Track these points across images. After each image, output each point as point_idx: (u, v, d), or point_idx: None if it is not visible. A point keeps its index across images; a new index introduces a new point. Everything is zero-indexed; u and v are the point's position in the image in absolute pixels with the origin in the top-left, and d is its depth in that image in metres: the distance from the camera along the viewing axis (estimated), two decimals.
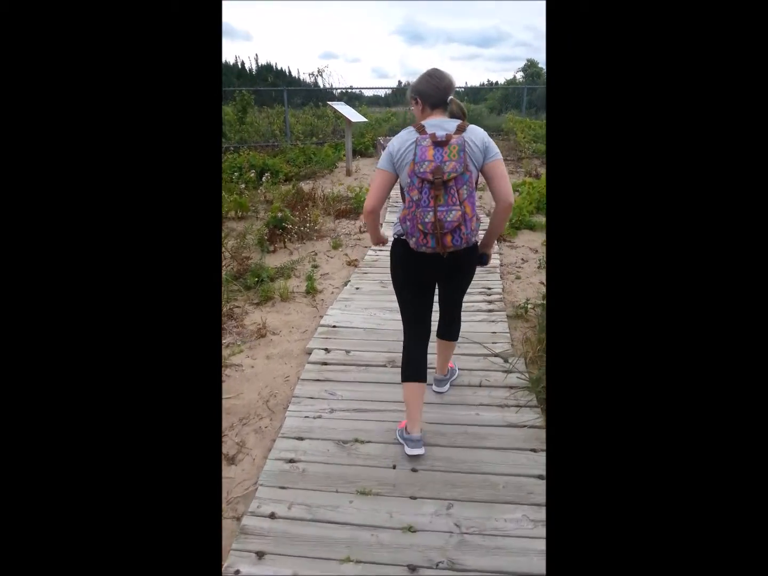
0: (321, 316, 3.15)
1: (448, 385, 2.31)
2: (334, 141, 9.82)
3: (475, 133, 1.64)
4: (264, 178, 6.18)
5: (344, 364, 2.54)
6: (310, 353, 2.68)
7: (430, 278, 1.83)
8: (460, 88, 17.08)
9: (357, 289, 3.54)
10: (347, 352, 2.65)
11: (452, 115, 1.69)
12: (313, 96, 12.75)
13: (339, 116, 7.62)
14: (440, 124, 1.65)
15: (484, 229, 1.85)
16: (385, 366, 2.52)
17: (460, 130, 1.62)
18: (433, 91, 1.69)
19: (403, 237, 1.68)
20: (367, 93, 18.41)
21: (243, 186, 5.85)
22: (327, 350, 2.68)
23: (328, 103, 7.73)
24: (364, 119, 7.77)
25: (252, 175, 6.21)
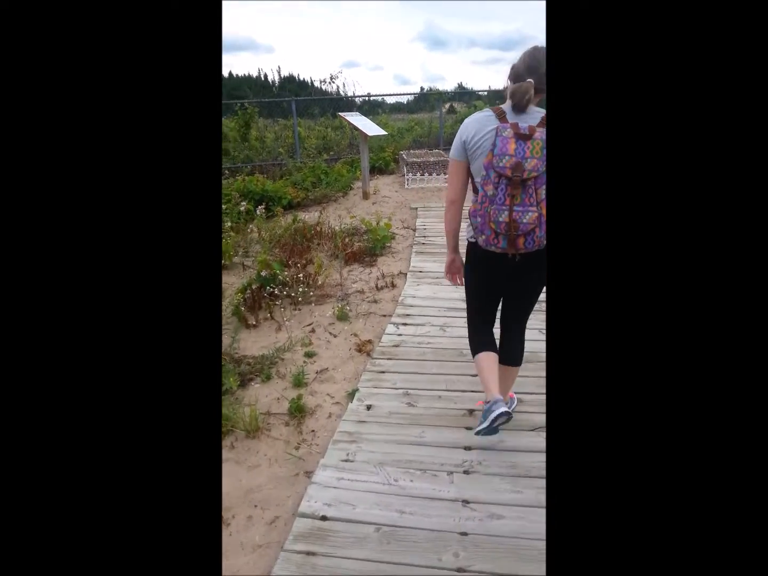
0: (307, 474, 1.88)
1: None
2: (350, 156, 8.59)
3: None
4: (258, 211, 4.98)
5: None
6: None
7: (498, 278, 1.68)
8: (482, 91, 15.54)
9: (368, 408, 2.25)
10: None
11: (513, 102, 1.46)
12: (331, 106, 11.48)
13: (355, 128, 6.40)
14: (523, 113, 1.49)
15: None
16: None
17: (544, 123, 1.43)
18: (521, 69, 1.48)
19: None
20: (389, 100, 17.57)
21: (229, 224, 4.63)
22: None
23: (340, 114, 6.49)
24: (383, 132, 6.51)
25: (243, 207, 5.00)
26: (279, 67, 24.43)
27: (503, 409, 1.58)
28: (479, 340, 1.78)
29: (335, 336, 2.99)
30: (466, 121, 1.56)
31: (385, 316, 3.20)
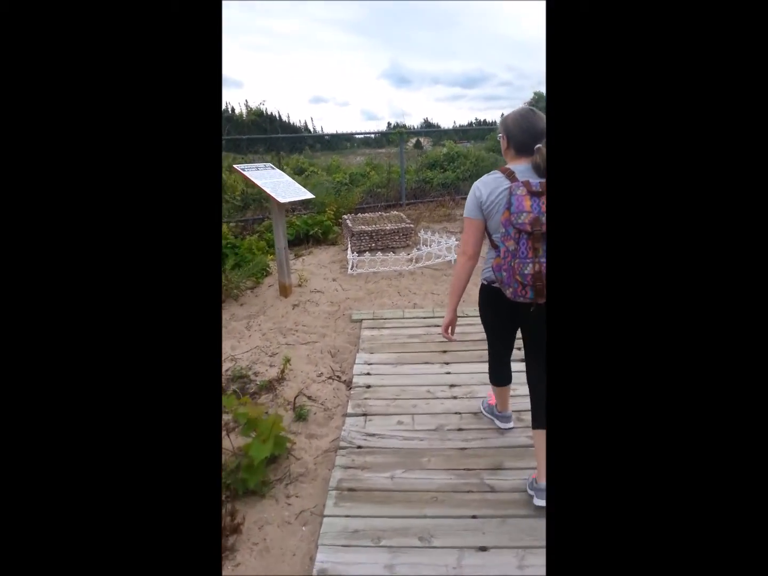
0: None
1: None
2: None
3: None
4: None
5: None
6: None
7: (521, 320, 1.79)
8: (447, 128, 14.46)
9: None
10: None
11: (535, 166, 1.58)
12: (292, 144, 8.91)
13: (261, 191, 4.01)
14: (529, 171, 1.60)
15: None
16: None
17: None
18: (520, 136, 1.63)
19: (494, 285, 1.70)
20: (358, 135, 16.22)
21: None
22: None
23: (235, 167, 4.08)
24: (305, 195, 4.11)
25: None
26: (246, 101, 22.10)
27: (508, 426, 2.22)
28: (502, 374, 2.06)
29: None
30: (476, 184, 1.66)
31: None
